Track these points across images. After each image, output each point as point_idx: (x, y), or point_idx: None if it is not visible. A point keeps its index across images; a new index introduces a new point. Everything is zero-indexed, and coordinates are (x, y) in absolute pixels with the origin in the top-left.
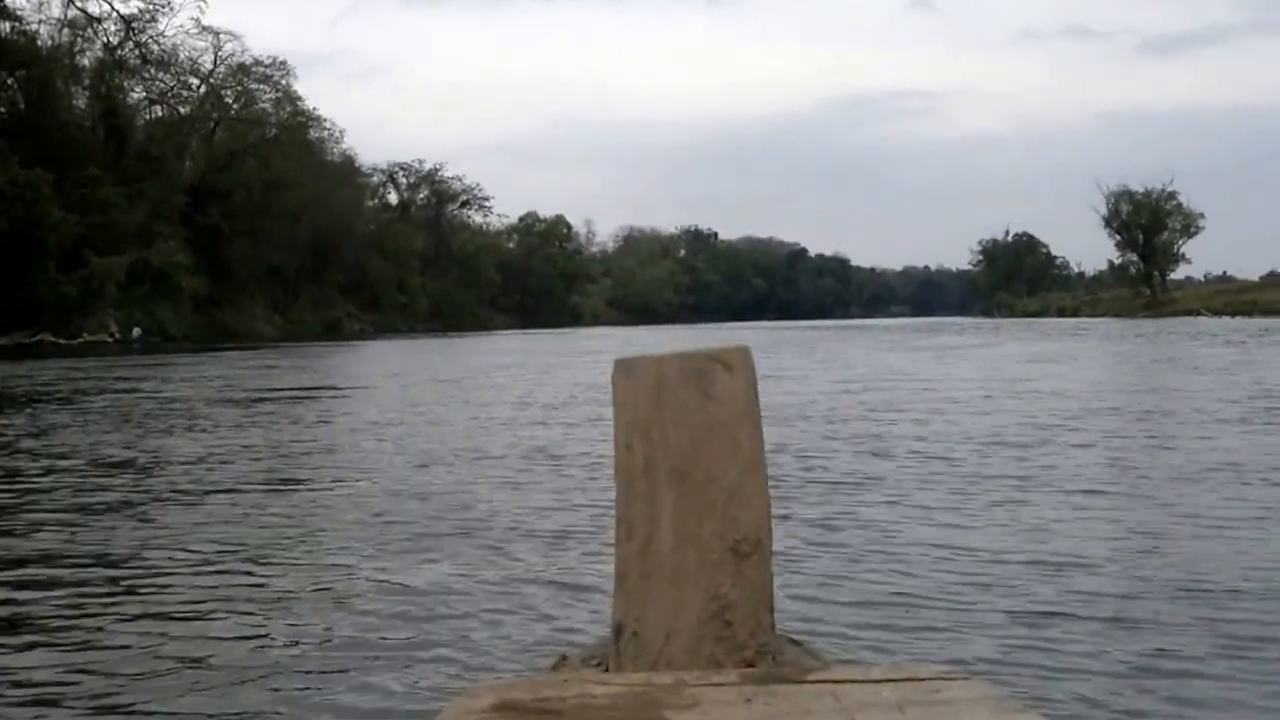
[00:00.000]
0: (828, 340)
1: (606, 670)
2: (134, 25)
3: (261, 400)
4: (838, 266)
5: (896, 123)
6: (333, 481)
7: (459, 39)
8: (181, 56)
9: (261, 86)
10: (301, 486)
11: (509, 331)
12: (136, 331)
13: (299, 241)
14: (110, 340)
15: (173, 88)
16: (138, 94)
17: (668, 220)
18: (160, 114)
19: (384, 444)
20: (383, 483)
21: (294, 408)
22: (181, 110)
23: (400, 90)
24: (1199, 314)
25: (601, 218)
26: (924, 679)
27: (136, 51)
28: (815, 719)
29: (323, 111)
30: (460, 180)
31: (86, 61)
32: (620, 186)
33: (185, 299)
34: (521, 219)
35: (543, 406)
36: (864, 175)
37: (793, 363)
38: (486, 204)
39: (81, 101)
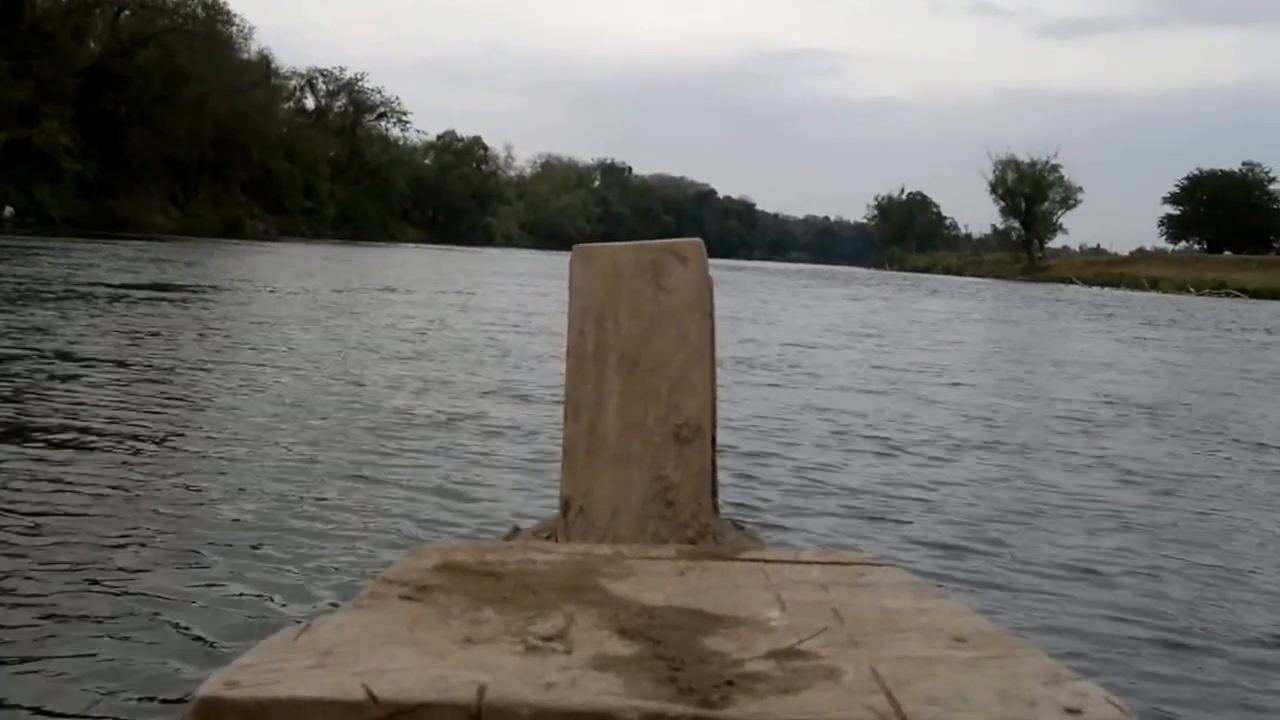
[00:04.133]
0: (745, 283)
1: (555, 542)
2: None
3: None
4: (743, 210)
5: (807, 80)
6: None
7: None
8: None
9: None
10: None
11: (416, 245)
12: (9, 211)
13: (203, 136)
14: None
15: None
16: None
17: (585, 152)
18: None
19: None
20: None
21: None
22: None
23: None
24: (1071, 282)
25: (521, 144)
26: (850, 564)
27: None
28: (743, 593)
29: (234, 6)
30: (379, 92)
31: None
32: (541, 115)
33: (69, 182)
34: (440, 137)
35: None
36: (773, 126)
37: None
38: (405, 118)
39: None
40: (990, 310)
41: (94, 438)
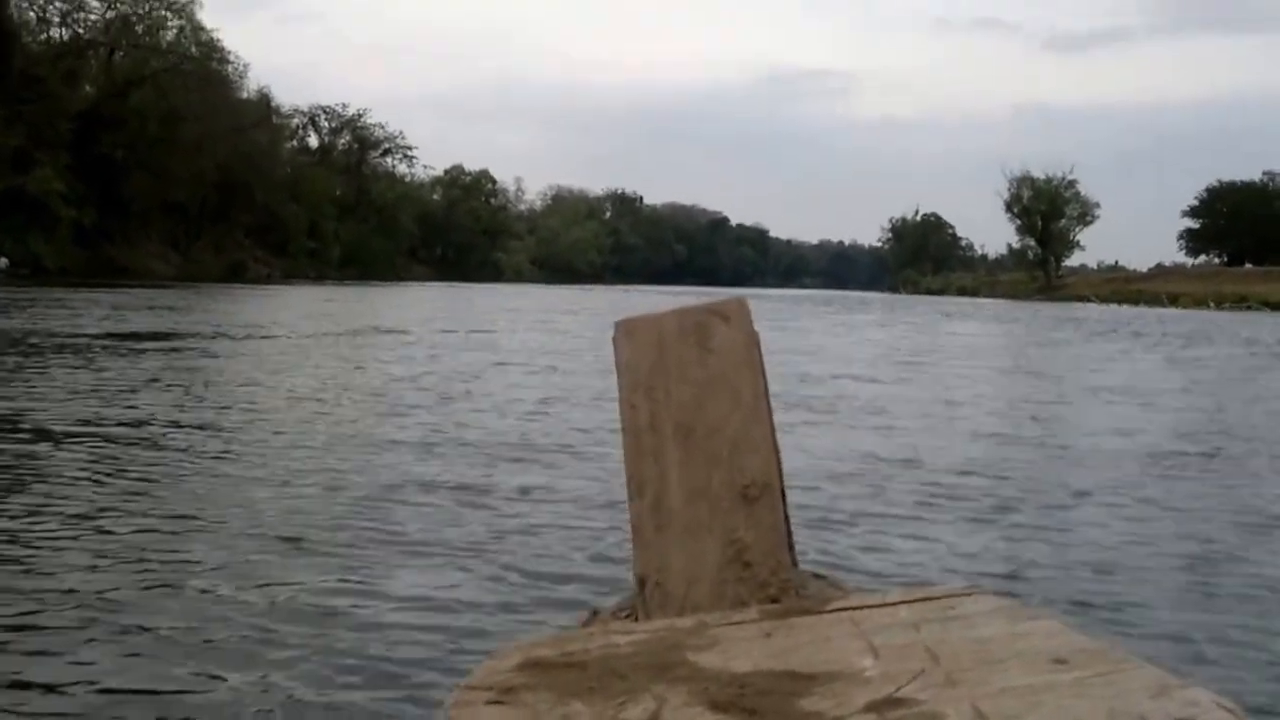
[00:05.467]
0: (768, 313)
1: (635, 620)
2: None
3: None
4: (756, 237)
5: (816, 101)
6: None
7: None
8: None
9: (166, 14)
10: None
11: (424, 283)
12: (3, 262)
13: (204, 178)
14: None
15: (70, 10)
16: (34, 12)
17: (596, 183)
18: (62, 37)
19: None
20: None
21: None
22: (81, 34)
23: (337, 36)
24: (1088, 300)
25: (532, 176)
26: (938, 597)
27: None
28: (834, 644)
29: (230, 44)
30: (383, 128)
31: None
32: (551, 147)
33: (65, 230)
34: (447, 171)
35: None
36: (784, 150)
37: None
38: (410, 153)
39: None
40: (1020, 332)
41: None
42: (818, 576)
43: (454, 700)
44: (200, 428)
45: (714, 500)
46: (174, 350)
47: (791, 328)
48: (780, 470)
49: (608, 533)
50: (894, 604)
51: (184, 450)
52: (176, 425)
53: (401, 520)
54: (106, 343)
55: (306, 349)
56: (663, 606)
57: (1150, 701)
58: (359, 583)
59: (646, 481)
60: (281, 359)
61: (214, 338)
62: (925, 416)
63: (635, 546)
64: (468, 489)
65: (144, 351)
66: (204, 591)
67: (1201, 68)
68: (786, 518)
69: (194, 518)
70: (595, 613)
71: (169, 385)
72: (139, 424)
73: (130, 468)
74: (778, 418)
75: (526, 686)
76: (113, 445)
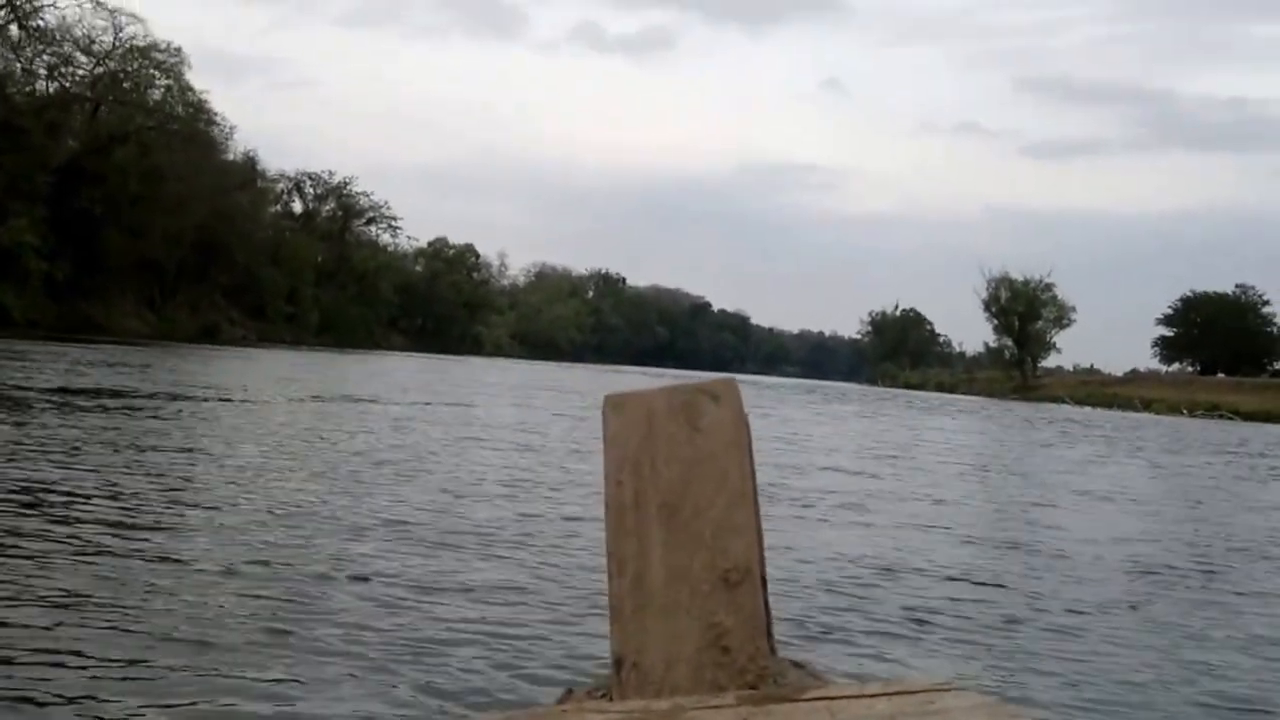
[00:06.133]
0: (751, 399)
1: (611, 701)
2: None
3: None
4: (738, 323)
5: (801, 194)
6: None
7: (393, 62)
8: (78, 33)
9: (154, 73)
10: None
11: (402, 354)
12: None
13: (183, 238)
14: None
15: (57, 64)
16: (18, 66)
17: (580, 262)
18: (49, 90)
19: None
20: None
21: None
22: (68, 87)
23: (328, 104)
24: (1064, 401)
25: (516, 252)
26: (917, 691)
27: (16, 23)
28: None
29: (219, 107)
30: (368, 196)
31: None
32: (536, 224)
33: (35, 282)
34: (430, 243)
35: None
36: (769, 239)
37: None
38: (395, 223)
39: None
40: (1000, 432)
41: None
42: (796, 665)
43: None
44: (116, 497)
45: (695, 583)
46: (124, 410)
47: (775, 415)
48: (763, 556)
49: (540, 646)
50: (872, 695)
51: (93, 522)
52: (93, 493)
53: (320, 619)
54: (55, 398)
55: (265, 415)
56: (639, 688)
57: None
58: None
59: (627, 559)
60: (235, 424)
61: (169, 399)
62: (913, 517)
63: (613, 625)
64: (399, 582)
65: (88, 409)
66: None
67: (1176, 181)
68: (767, 604)
69: (82, 606)
70: (570, 692)
71: (101, 446)
72: (47, 489)
73: (19, 542)
74: (765, 509)
75: None
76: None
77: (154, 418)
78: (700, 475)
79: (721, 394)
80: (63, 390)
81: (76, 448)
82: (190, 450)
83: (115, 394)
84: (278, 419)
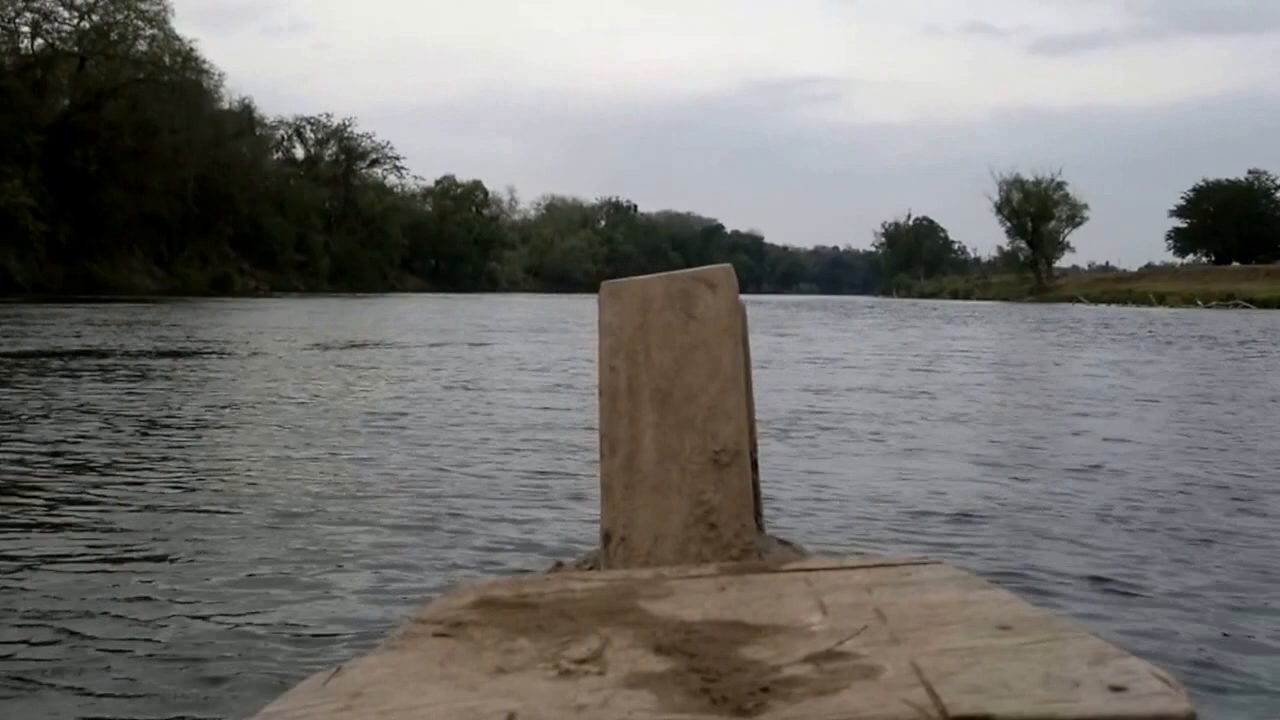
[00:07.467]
0: (769, 320)
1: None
2: None
3: None
4: (752, 243)
5: (807, 108)
6: None
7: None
8: None
9: (140, 23)
10: None
11: (416, 294)
12: None
13: (184, 191)
14: None
15: (40, 20)
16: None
17: (590, 191)
18: (34, 47)
19: None
20: None
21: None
22: (53, 43)
23: (324, 48)
24: (1078, 300)
25: (525, 186)
26: (895, 564)
27: None
28: (785, 601)
29: (209, 56)
30: (370, 138)
31: None
32: (544, 156)
33: (37, 245)
34: (438, 182)
35: None
36: (777, 156)
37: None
38: (399, 163)
39: None
40: (1020, 333)
41: None
42: (783, 543)
43: (402, 631)
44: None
45: (685, 463)
46: (118, 369)
47: (794, 334)
48: (754, 439)
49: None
50: (850, 568)
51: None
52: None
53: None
54: (56, 361)
55: (268, 366)
56: (626, 561)
57: (1087, 668)
58: None
59: (619, 441)
60: (238, 375)
61: (157, 355)
62: (948, 442)
63: (603, 502)
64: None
65: (82, 372)
66: None
67: (1184, 69)
68: (756, 486)
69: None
70: (560, 564)
71: (90, 410)
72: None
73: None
74: (807, 440)
75: (476, 623)
76: None
77: (139, 377)
78: (693, 361)
79: (718, 282)
80: (63, 353)
81: (63, 409)
82: (165, 408)
83: (111, 354)
84: (281, 369)
